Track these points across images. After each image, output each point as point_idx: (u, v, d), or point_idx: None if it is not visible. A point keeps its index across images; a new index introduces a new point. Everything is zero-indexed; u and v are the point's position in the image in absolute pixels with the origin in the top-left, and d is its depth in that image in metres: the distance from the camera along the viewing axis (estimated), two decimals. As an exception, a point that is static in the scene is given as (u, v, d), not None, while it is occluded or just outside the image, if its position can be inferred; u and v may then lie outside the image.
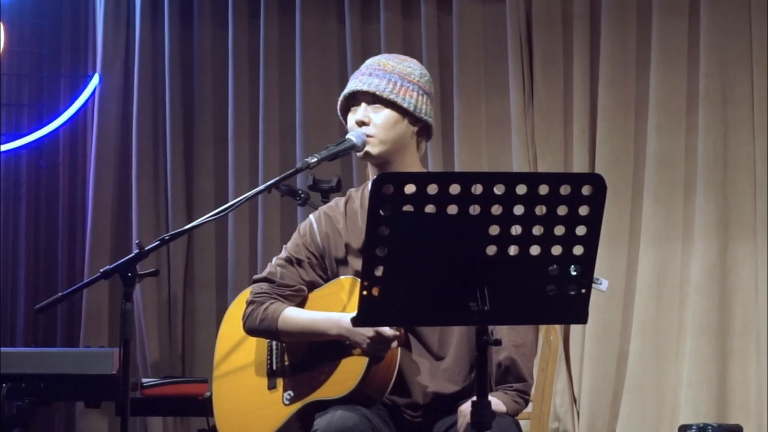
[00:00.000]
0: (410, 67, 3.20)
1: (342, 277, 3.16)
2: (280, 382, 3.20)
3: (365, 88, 3.15)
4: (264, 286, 3.21)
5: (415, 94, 3.16)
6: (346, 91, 3.19)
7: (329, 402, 3.04)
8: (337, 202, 3.27)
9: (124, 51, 5.80)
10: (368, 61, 3.24)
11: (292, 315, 3.15)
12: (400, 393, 3.08)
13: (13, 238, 5.92)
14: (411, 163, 3.17)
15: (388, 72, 3.16)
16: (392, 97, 3.13)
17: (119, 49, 5.80)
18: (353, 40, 5.46)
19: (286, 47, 5.59)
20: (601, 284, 3.07)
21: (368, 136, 3.13)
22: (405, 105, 3.14)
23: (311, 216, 3.27)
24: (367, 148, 3.13)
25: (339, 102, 3.22)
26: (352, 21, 5.47)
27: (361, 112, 3.15)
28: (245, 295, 3.29)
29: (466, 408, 2.93)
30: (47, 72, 5.95)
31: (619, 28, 5.07)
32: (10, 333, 5.80)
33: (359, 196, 3.25)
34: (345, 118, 3.22)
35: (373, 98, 3.14)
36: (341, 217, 3.21)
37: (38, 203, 5.96)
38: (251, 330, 3.21)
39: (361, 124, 3.14)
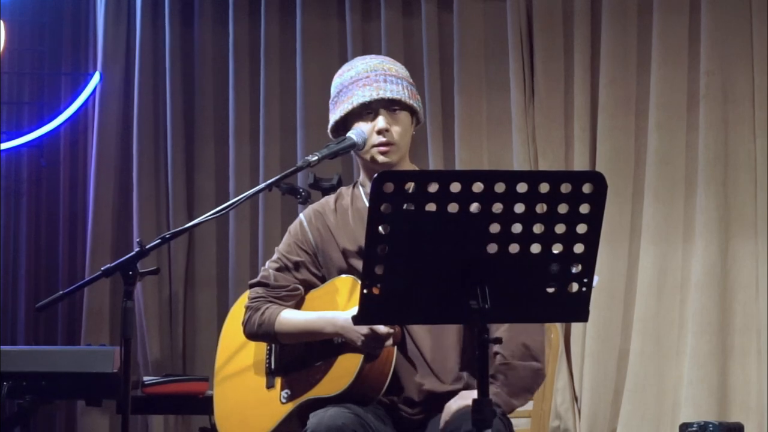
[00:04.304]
0: (404, 69, 3.22)
1: (340, 276, 3.15)
2: (278, 380, 3.21)
3: (389, 95, 3.12)
4: (259, 290, 3.22)
5: (418, 96, 3.20)
6: (364, 99, 3.12)
7: (325, 400, 3.04)
8: (327, 199, 3.28)
9: (125, 49, 5.80)
10: (368, 66, 3.18)
11: (288, 317, 3.15)
12: (396, 391, 3.08)
13: (14, 237, 5.92)
14: (408, 163, 3.20)
15: (399, 78, 3.16)
16: (411, 102, 3.15)
17: (120, 47, 5.79)
18: (354, 38, 5.45)
19: (287, 45, 5.59)
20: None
21: (389, 144, 3.11)
22: (417, 108, 3.17)
23: (301, 215, 3.27)
24: (385, 158, 3.11)
25: (347, 109, 3.16)
26: (353, 19, 5.46)
27: (382, 119, 3.12)
28: (248, 294, 3.29)
29: (452, 403, 2.97)
30: (48, 70, 5.94)
31: (620, 25, 5.06)
32: (11, 331, 5.80)
33: (350, 193, 3.25)
34: (345, 124, 3.18)
35: (391, 104, 3.13)
36: (332, 214, 3.22)
37: (39, 201, 5.95)
38: (251, 335, 3.22)
39: (384, 131, 3.11)
